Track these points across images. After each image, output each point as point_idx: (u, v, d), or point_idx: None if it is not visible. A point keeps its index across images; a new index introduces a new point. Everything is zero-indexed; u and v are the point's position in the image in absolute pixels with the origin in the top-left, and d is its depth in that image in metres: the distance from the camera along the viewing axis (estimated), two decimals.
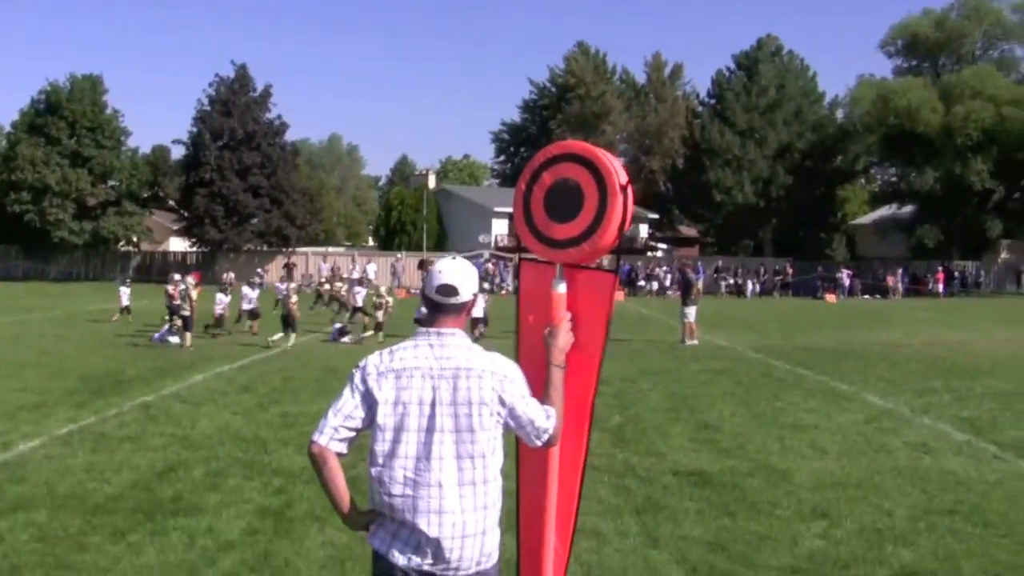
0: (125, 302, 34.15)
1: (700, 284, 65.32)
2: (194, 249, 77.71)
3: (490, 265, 68.44)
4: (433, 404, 4.08)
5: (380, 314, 28.71)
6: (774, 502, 9.76)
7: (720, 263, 74.00)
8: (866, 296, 67.21)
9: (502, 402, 4.14)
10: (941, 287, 68.06)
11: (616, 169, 4.68)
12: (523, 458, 4.98)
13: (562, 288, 4.77)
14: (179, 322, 26.75)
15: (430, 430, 4.07)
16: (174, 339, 26.54)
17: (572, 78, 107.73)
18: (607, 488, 10.38)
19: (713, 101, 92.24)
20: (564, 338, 4.63)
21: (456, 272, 4.29)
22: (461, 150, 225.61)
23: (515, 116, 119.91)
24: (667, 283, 68.49)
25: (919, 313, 45.96)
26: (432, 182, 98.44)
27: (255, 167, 73.08)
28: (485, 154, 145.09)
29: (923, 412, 15.64)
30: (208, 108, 75.03)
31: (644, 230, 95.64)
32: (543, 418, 4.26)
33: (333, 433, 4.12)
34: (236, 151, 72.60)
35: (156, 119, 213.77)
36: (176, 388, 18.01)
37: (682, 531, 8.79)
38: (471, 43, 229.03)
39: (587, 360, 4.76)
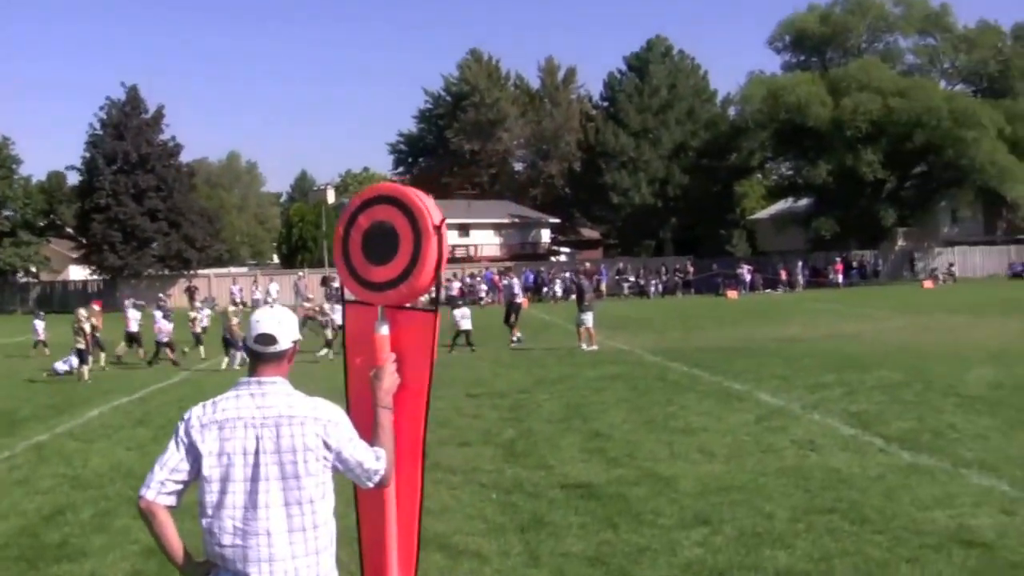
0: (41, 335, 33.84)
1: (604, 286, 66.38)
2: (95, 277, 76.62)
3: None
4: (257, 453, 4.06)
5: (328, 332, 29.34)
6: (657, 511, 9.79)
7: (621, 264, 74.53)
8: (768, 290, 67.94)
9: (327, 447, 4.13)
10: (840, 278, 69.30)
11: (429, 210, 4.74)
12: (360, 500, 5.03)
13: (384, 330, 4.83)
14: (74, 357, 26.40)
15: (255, 479, 4.05)
16: (63, 367, 26.27)
17: (466, 85, 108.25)
18: (493, 506, 10.39)
19: (606, 104, 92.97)
20: (389, 379, 4.69)
21: (273, 321, 4.28)
22: (360, 163, 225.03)
23: (412, 126, 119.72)
24: (566, 288, 68.72)
25: (818, 305, 46.79)
26: (331, 197, 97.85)
27: (151, 190, 72.45)
28: (385, 166, 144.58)
29: (813, 408, 15.83)
30: (100, 132, 74.09)
31: (546, 235, 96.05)
32: (372, 459, 4.29)
33: (160, 487, 4.09)
34: (131, 175, 71.87)
35: (48, 146, 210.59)
36: (71, 425, 17.71)
37: (564, 547, 8.79)
38: (366, 53, 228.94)
39: (415, 399, 4.81)
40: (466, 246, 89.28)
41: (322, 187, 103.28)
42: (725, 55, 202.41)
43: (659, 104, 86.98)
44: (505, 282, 37.71)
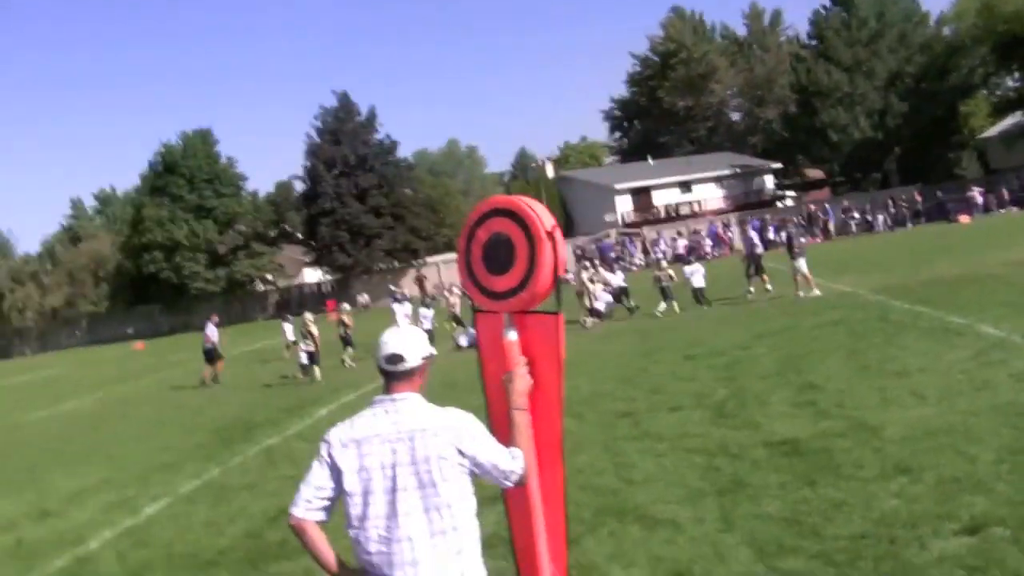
0: (290, 336, 35.11)
1: (832, 226, 65.05)
2: (328, 277, 79.15)
3: (615, 243, 68.25)
4: (394, 466, 4.29)
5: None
6: (859, 463, 9.67)
7: (847, 203, 72.59)
8: (1002, 211, 65.13)
9: (462, 453, 4.33)
10: None
11: (540, 216, 4.83)
12: (509, 503, 5.21)
13: (513, 335, 4.98)
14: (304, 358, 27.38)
15: (394, 490, 4.28)
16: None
17: (672, 43, 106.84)
18: (695, 471, 10.46)
19: (815, 42, 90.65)
20: (521, 382, 4.85)
21: (400, 341, 4.52)
22: (577, 133, 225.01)
23: (623, 91, 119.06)
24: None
25: None
26: (550, 170, 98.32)
27: (372, 188, 74.50)
28: (601, 133, 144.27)
29: None
30: (318, 140, 76.41)
31: (770, 181, 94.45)
32: (507, 460, 4.47)
33: (307, 504, 4.39)
34: (351, 176, 74.11)
35: (270, 158, 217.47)
36: (300, 427, 18.48)
37: (759, 509, 8.81)
38: (572, 25, 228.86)
39: (548, 399, 4.96)
40: (689, 203, 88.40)
41: (540, 162, 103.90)
42: None
43: (869, 35, 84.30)
44: (739, 234, 37.07)
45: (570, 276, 35.49)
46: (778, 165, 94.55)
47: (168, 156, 76.42)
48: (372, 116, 78.26)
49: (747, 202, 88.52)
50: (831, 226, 67.90)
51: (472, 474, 4.42)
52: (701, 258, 54.29)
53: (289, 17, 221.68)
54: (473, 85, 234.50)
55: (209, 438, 18.93)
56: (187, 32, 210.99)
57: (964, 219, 61.05)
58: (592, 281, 31.77)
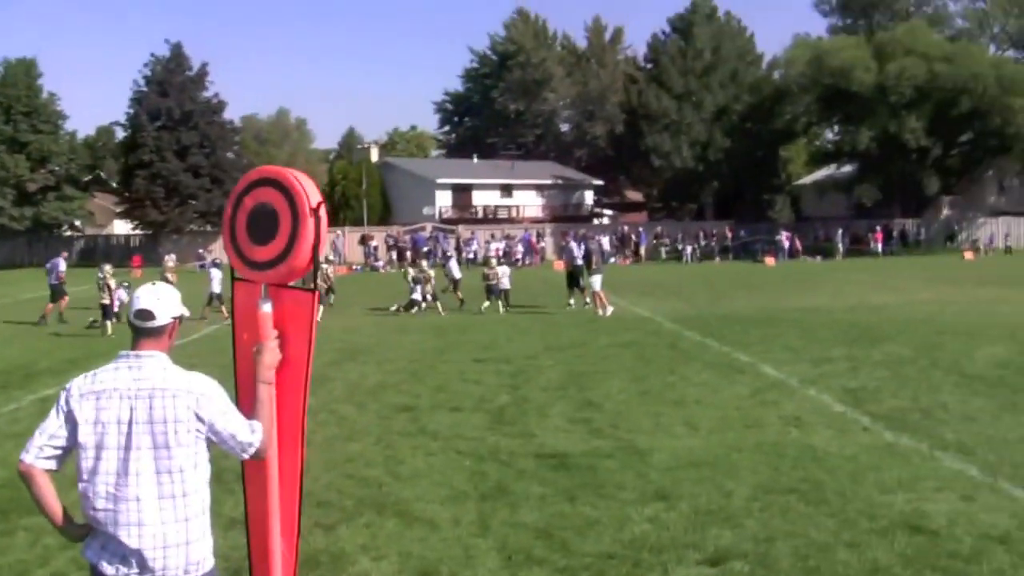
0: (217, 288, 31.17)
1: (642, 250, 66.32)
2: (137, 232, 77.19)
3: (428, 237, 68.28)
4: (130, 423, 4.24)
5: (428, 288, 31.11)
6: (621, 484, 9.86)
7: (660, 228, 74.41)
8: (806, 258, 67.32)
9: (199, 419, 4.32)
10: (880, 246, 68.41)
11: (308, 192, 4.78)
12: (246, 471, 5.15)
13: (267, 307, 4.90)
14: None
15: (128, 448, 4.24)
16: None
17: (512, 44, 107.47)
18: (463, 474, 10.51)
19: (650, 65, 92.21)
20: (270, 355, 4.80)
21: (152, 297, 4.47)
22: (408, 121, 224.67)
23: (458, 86, 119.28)
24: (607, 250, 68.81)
25: (852, 274, 46.62)
26: (375, 155, 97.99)
27: (194, 147, 73.03)
28: (431, 125, 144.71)
29: (812, 383, 15.76)
30: (145, 89, 74.57)
31: (590, 197, 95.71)
32: (247, 432, 4.47)
33: (39, 452, 4.30)
34: (174, 131, 72.54)
35: (95, 101, 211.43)
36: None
37: (517, 518, 8.89)
38: (414, 11, 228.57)
39: (295, 374, 4.91)
40: (508, 207, 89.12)
41: (366, 145, 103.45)
42: (773, 17, 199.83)
43: (703, 66, 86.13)
44: (563, 244, 37.74)
45: (380, 263, 35.35)
46: (599, 182, 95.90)
47: None
48: (203, 72, 76.48)
49: (565, 214, 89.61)
50: (642, 249, 69.23)
51: (209, 441, 4.40)
52: (512, 264, 54.63)
53: None
54: (313, 56, 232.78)
55: None
56: None
57: (769, 261, 62.84)
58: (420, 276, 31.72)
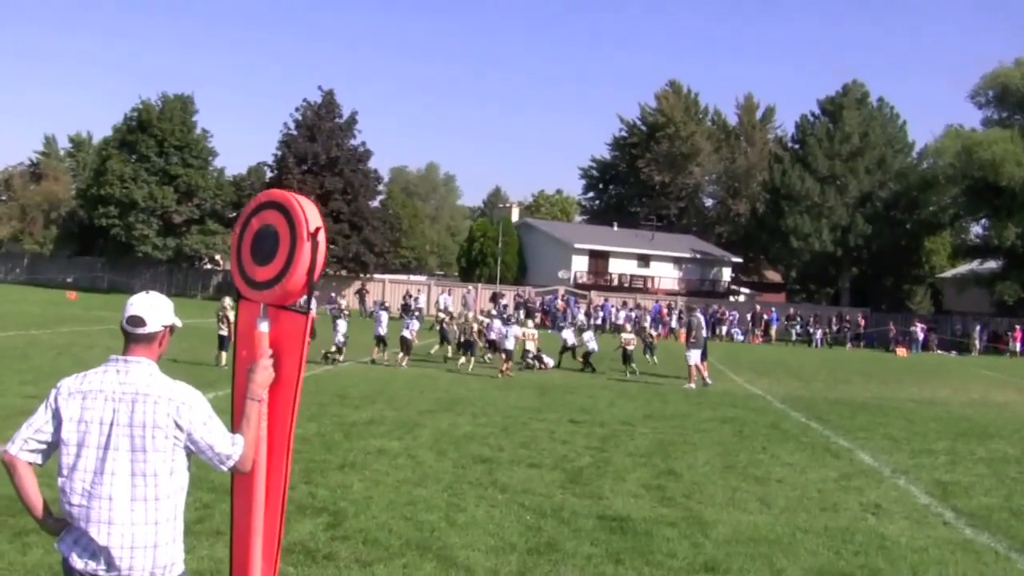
0: (383, 331, 32.87)
1: (773, 330, 65.51)
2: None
3: (560, 302, 68.24)
4: (112, 424, 4.38)
5: (530, 344, 32.17)
6: (672, 553, 9.70)
7: (792, 310, 73.30)
8: (942, 352, 65.78)
9: (178, 426, 4.44)
10: (1019, 345, 66.31)
11: (308, 217, 4.85)
12: (235, 486, 5.20)
13: (264, 327, 4.99)
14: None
15: (107, 448, 4.38)
16: None
17: (663, 116, 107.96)
18: (518, 527, 10.45)
19: (797, 146, 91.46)
20: (263, 374, 4.87)
21: (145, 305, 4.63)
22: (554, 184, 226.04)
23: (605, 152, 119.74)
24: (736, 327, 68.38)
25: (984, 371, 45.18)
26: (516, 215, 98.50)
27: (336, 192, 74.04)
28: (576, 189, 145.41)
29: (904, 473, 15.38)
30: (294, 132, 76.20)
31: (727, 273, 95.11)
32: (227, 445, 4.57)
33: (23, 444, 4.47)
34: (319, 175, 73.68)
35: (245, 142, 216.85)
36: None
37: (556, 573, 8.85)
38: (567, 78, 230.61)
39: (286, 393, 4.97)
40: (644, 277, 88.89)
41: (508, 205, 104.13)
42: (929, 107, 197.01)
43: (849, 151, 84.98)
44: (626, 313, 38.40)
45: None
46: (738, 259, 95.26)
47: (144, 114, 75.42)
48: (352, 120, 77.96)
49: (702, 289, 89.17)
50: (772, 330, 68.44)
51: (188, 450, 4.51)
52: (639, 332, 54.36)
53: (297, 9, 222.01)
54: (467, 115, 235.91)
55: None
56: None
57: (901, 351, 61.69)
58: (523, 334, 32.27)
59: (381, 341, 31.39)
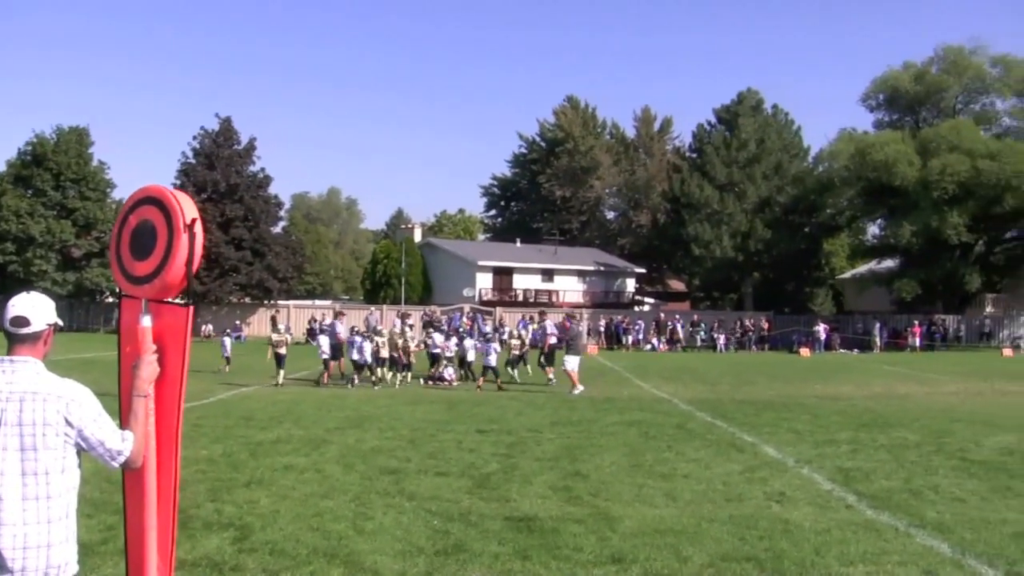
0: (228, 352, 38.11)
1: (680, 336, 66.12)
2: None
3: (466, 319, 68.20)
4: (0, 425, 4.30)
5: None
6: (579, 547, 9.75)
7: (696, 317, 74.26)
8: (844, 351, 66.87)
9: (69, 423, 4.41)
10: (918, 341, 67.66)
11: (183, 209, 4.85)
12: (126, 484, 5.17)
13: (147, 321, 4.98)
14: None
15: None
16: None
17: (561, 132, 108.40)
18: (426, 532, 10.45)
19: (695, 155, 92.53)
20: (147, 369, 4.85)
21: (28, 304, 4.60)
22: (456, 204, 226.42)
23: (506, 170, 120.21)
24: (641, 336, 68.81)
25: (884, 367, 46.03)
26: (418, 235, 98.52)
27: (237, 219, 73.52)
28: (479, 208, 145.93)
29: (807, 463, 15.58)
30: (192, 161, 75.57)
31: (631, 284, 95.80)
32: (117, 441, 4.55)
33: None
34: (219, 203, 73.04)
35: (143, 171, 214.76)
36: None
37: (463, 572, 8.88)
38: (464, 97, 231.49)
39: (172, 388, 4.97)
40: (549, 291, 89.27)
41: (410, 226, 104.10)
42: (822, 111, 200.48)
43: (747, 157, 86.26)
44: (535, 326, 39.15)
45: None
46: (642, 270, 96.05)
47: (39, 148, 74.54)
48: (251, 147, 77.41)
49: (606, 300, 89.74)
50: (680, 335, 69.04)
51: (79, 447, 4.48)
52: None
53: (193, 37, 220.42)
54: (365, 138, 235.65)
55: None
56: (94, 27, 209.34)
57: (805, 352, 62.47)
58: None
59: (363, 367, 31.72)
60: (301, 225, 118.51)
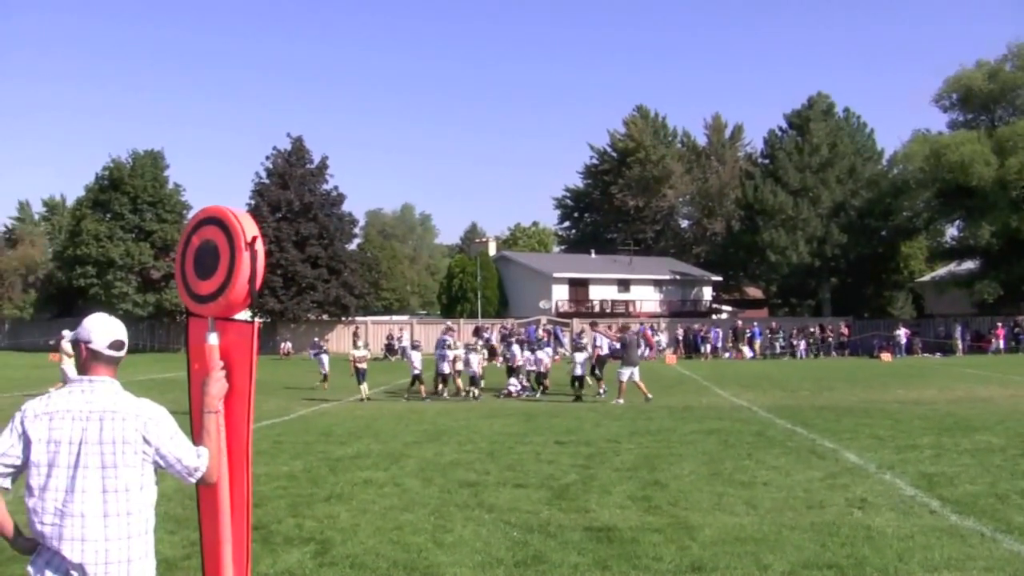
0: (326, 369, 38.33)
1: (757, 345, 65.74)
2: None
3: (542, 332, 68.20)
4: (81, 443, 4.44)
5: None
6: (659, 556, 9.73)
7: (775, 324, 73.63)
8: (926, 355, 66.00)
9: (147, 441, 4.53)
10: (1002, 343, 66.54)
11: (244, 228, 4.93)
12: (201, 500, 5.28)
13: (213, 339, 5.08)
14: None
15: (77, 466, 4.43)
16: None
17: (632, 142, 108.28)
18: (505, 543, 10.47)
19: (767, 161, 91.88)
20: (216, 386, 4.95)
21: (122, 329, 4.82)
22: (531, 217, 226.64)
23: (578, 181, 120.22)
24: (719, 345, 68.42)
25: (967, 370, 45.28)
26: (493, 249, 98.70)
27: (312, 238, 74.25)
28: (552, 220, 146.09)
29: (889, 468, 15.43)
30: (266, 181, 76.37)
31: (708, 292, 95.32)
32: (192, 457, 4.67)
33: None
34: (294, 222, 73.87)
35: (217, 193, 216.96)
36: None
37: None
38: (535, 110, 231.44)
39: (240, 403, 5.05)
40: (625, 301, 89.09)
41: (484, 239, 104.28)
42: (895, 114, 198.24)
43: (819, 162, 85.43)
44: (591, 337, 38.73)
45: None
46: (718, 278, 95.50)
47: (115, 172, 75.97)
48: (323, 165, 78.35)
49: (683, 310, 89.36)
50: (756, 345, 68.57)
51: (156, 465, 4.60)
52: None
53: (264, 56, 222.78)
54: (439, 153, 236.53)
55: None
56: (164, 52, 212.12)
57: (886, 357, 61.80)
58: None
59: (417, 379, 32.46)
60: (376, 242, 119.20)
